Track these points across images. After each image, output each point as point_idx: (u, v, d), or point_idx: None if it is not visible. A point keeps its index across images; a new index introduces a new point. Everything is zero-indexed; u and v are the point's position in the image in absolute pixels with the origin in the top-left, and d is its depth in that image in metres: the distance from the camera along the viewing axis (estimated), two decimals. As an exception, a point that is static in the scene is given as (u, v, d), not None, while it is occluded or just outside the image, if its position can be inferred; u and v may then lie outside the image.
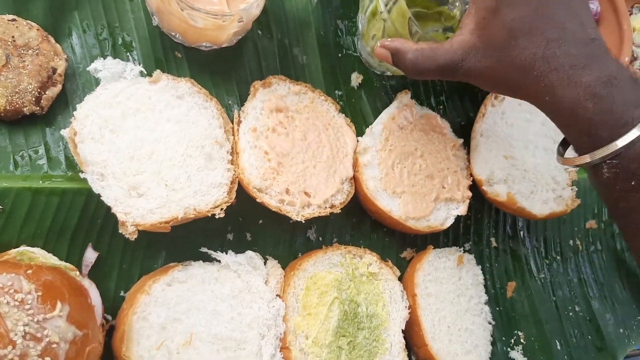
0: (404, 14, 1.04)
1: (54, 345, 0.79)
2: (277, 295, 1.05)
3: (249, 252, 1.06)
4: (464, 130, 1.37)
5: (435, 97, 1.38)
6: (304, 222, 1.06)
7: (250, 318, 1.02)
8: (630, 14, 1.72)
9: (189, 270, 1.01)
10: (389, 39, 1.02)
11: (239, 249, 1.07)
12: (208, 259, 1.04)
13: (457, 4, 1.13)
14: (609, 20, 1.50)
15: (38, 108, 0.99)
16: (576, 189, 1.31)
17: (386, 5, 1.06)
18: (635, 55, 1.68)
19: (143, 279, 1.00)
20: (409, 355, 1.13)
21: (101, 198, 0.93)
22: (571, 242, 1.45)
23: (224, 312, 1.00)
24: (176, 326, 0.96)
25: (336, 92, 1.27)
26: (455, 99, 1.40)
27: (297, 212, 1.06)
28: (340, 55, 1.30)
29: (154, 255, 1.06)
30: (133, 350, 0.91)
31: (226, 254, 1.04)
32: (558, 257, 1.43)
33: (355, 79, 1.30)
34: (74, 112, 0.96)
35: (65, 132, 0.94)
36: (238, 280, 1.03)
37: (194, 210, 0.96)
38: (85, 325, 0.84)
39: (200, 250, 1.05)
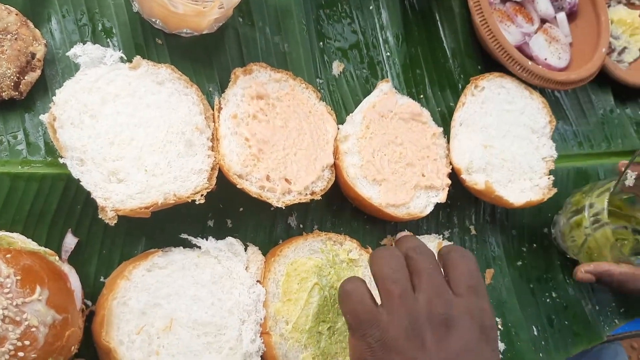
0: (608, 238, 1.23)
1: (33, 329, 0.79)
2: (257, 281, 1.06)
3: (229, 239, 1.06)
4: (444, 119, 1.39)
5: (415, 85, 1.39)
6: (284, 208, 1.06)
7: (231, 304, 1.02)
8: (608, 7, 1.74)
9: (169, 256, 1.01)
10: (591, 265, 1.27)
11: (220, 236, 1.08)
12: (188, 245, 1.04)
13: None
14: (587, 11, 1.52)
15: (17, 93, 0.99)
16: (553, 178, 1.33)
17: (592, 224, 1.26)
18: (612, 47, 1.70)
19: (123, 265, 1.00)
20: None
21: (80, 183, 0.92)
22: (546, 230, 1.47)
23: (204, 298, 1.00)
24: (156, 311, 0.96)
25: (317, 80, 1.28)
26: (436, 88, 1.41)
27: (278, 199, 1.07)
28: (321, 43, 1.31)
29: (134, 241, 1.06)
30: (113, 334, 0.91)
31: (206, 240, 1.04)
32: (535, 245, 1.45)
33: (337, 67, 1.31)
34: (53, 98, 0.95)
35: (44, 118, 0.94)
36: (218, 266, 1.04)
37: (174, 196, 0.96)
38: (64, 309, 0.85)
39: (181, 236, 1.05)
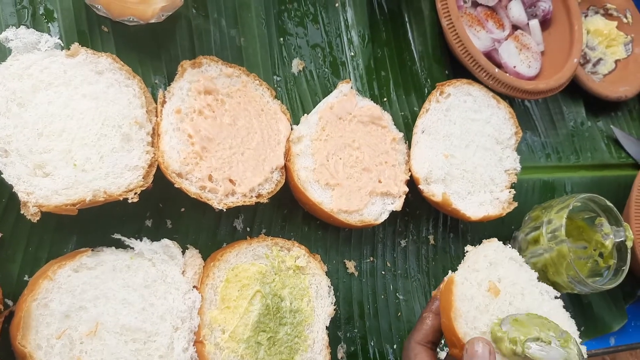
0: (564, 256, 1.19)
1: None
2: (194, 286, 1.00)
3: (165, 241, 1.01)
4: (407, 125, 1.34)
5: (379, 88, 1.34)
6: (225, 210, 1.01)
7: (163, 309, 0.97)
8: (585, 16, 1.71)
9: (100, 256, 0.95)
10: None
11: (158, 237, 1.02)
12: (122, 246, 0.99)
13: (611, 237, 1.26)
14: (561, 20, 1.48)
15: (-59, 76, 0.92)
16: (514, 191, 1.28)
17: (549, 241, 1.22)
18: (587, 58, 1.66)
19: (49, 264, 0.94)
20: (331, 353, 1.09)
21: (1, 176, 0.86)
22: (508, 245, 1.43)
23: (134, 302, 0.95)
24: (81, 315, 0.90)
25: (275, 77, 1.23)
26: (401, 92, 1.37)
27: (220, 200, 1.01)
28: (282, 39, 1.25)
29: (64, 240, 1.00)
30: (30, 338, 0.85)
31: (140, 241, 0.99)
32: (496, 258, 1.41)
33: (297, 65, 1.26)
34: (-21, 83, 0.89)
35: (-32, 104, 0.88)
36: (152, 270, 0.98)
37: (105, 194, 0.90)
38: (-27, 310, 0.79)
39: (114, 236, 0.99)
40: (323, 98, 1.22)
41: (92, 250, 0.96)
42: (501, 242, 1.05)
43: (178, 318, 0.97)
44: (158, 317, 0.96)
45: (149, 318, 0.95)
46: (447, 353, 0.99)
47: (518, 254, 1.06)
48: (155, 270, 0.99)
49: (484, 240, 1.06)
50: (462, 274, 0.99)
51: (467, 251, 1.04)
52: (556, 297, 1.06)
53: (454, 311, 0.92)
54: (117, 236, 0.98)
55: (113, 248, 0.97)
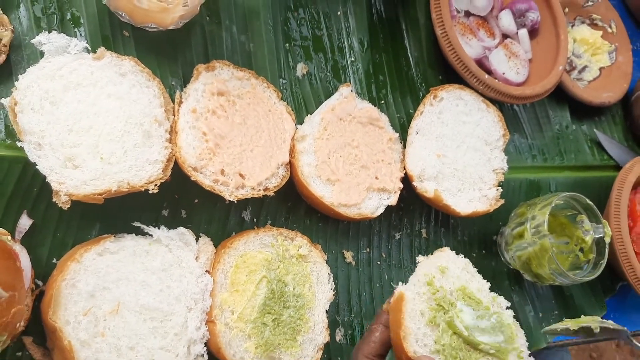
0: (546, 249, 1.28)
1: (-22, 304, 0.82)
2: (206, 271, 1.10)
3: (181, 229, 1.10)
4: (403, 126, 1.44)
5: (377, 91, 1.44)
6: (236, 202, 1.10)
7: (179, 291, 1.06)
8: (573, 26, 1.81)
9: (121, 242, 1.04)
10: None
11: (174, 225, 1.11)
12: (141, 233, 1.08)
13: (591, 233, 1.36)
14: (548, 29, 1.57)
15: (-20, 76, 1.01)
16: (501, 189, 1.38)
17: (532, 236, 1.31)
18: (573, 65, 1.76)
19: (75, 248, 1.03)
20: (330, 335, 1.19)
21: (36, 167, 0.96)
22: (495, 237, 1.52)
23: (153, 284, 1.04)
24: (105, 295, 0.99)
25: (281, 80, 1.32)
26: (397, 95, 1.46)
27: (231, 192, 1.10)
28: (287, 45, 1.35)
29: (89, 226, 1.09)
30: (60, 314, 0.95)
31: (158, 229, 1.08)
32: (484, 251, 1.51)
33: (301, 69, 1.35)
34: (16, 83, 0.98)
35: (5, 102, 0.97)
36: (169, 255, 1.08)
37: (128, 185, 1.00)
38: (11, 287, 0.87)
39: (134, 224, 1.08)
40: (325, 100, 1.31)
41: (115, 236, 1.05)
42: (453, 251, 1.04)
43: (192, 299, 1.06)
44: (174, 298, 1.05)
45: (166, 299, 1.04)
46: None
47: (470, 263, 1.04)
48: (171, 255, 1.08)
49: (436, 251, 1.04)
50: (412, 289, 0.96)
51: (418, 262, 1.01)
52: (507, 308, 1.03)
53: (404, 329, 0.91)
54: (136, 224, 1.08)
55: (133, 235, 1.07)
